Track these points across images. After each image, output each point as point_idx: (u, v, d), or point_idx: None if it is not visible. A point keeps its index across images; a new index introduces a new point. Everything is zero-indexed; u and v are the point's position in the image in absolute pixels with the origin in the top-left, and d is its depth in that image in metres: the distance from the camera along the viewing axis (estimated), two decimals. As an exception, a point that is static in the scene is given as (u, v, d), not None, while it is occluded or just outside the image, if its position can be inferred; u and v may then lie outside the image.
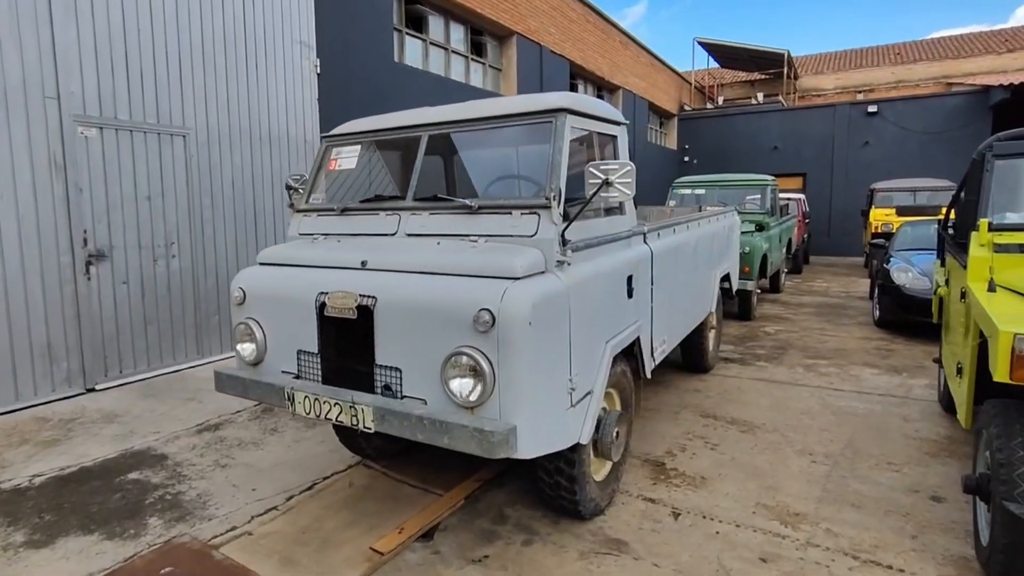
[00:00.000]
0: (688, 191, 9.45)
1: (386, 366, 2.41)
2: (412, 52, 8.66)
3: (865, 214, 13.32)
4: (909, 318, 6.64)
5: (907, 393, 4.81)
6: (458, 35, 9.59)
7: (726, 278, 5.76)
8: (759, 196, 8.88)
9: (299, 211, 3.23)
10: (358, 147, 3.18)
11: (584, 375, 2.56)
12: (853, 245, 16.62)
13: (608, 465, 3.04)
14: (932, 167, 15.87)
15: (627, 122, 3.26)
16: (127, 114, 4.81)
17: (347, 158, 3.19)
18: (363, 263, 2.58)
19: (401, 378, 2.37)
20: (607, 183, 2.38)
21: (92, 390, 4.76)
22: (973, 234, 3.07)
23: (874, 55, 25.48)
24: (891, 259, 7.41)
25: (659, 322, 3.59)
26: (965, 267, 3.09)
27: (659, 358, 3.65)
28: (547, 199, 2.40)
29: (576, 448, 2.59)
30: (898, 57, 23.98)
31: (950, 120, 16.06)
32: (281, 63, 6.10)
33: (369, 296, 2.42)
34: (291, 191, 3.35)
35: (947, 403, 4.26)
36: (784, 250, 10.25)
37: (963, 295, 3.08)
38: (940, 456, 3.61)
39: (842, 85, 23.32)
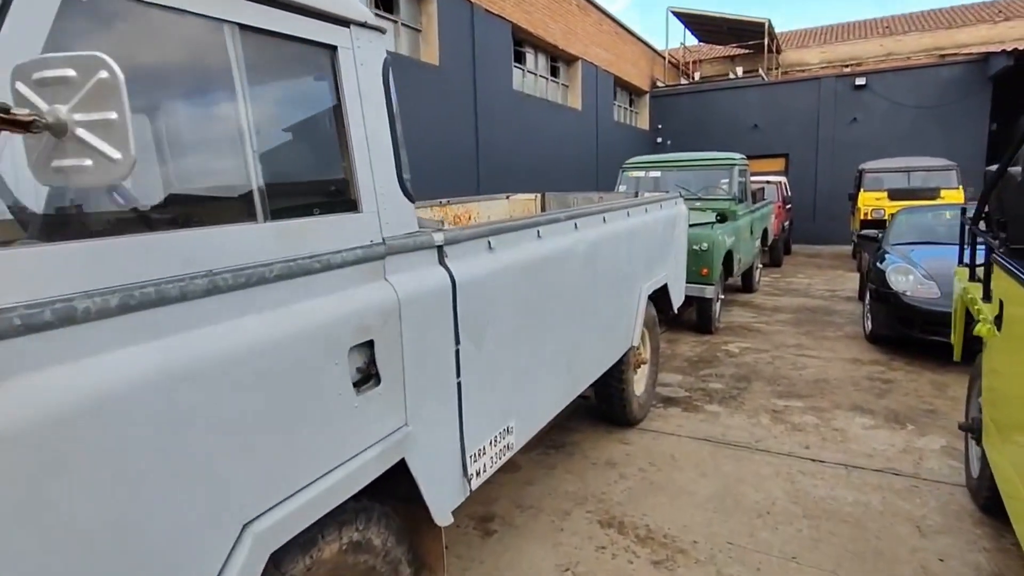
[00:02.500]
0: (641, 174, 7.83)
1: None
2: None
3: (853, 198, 11.78)
4: (912, 335, 5.09)
5: (917, 466, 3.25)
6: (361, -14, 7.90)
7: (663, 290, 4.15)
8: (725, 179, 7.28)
9: None
10: None
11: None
12: (840, 232, 15.10)
13: None
14: (926, 145, 14.34)
15: (374, 24, 1.61)
16: None
17: None
18: None
19: None
20: (44, 124, 0.74)
21: None
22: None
23: (861, 28, 23.94)
24: (886, 256, 5.85)
25: (486, 407, 1.99)
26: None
27: (490, 469, 2.05)
28: None
29: None
30: (887, 30, 22.43)
31: (946, 93, 14.52)
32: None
33: None
34: None
35: (987, 499, 2.67)
36: (758, 242, 8.68)
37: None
38: (990, 635, 2.05)
39: (828, 59, 21.72)
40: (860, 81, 15.35)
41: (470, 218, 4.92)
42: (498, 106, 10.12)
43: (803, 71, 21.22)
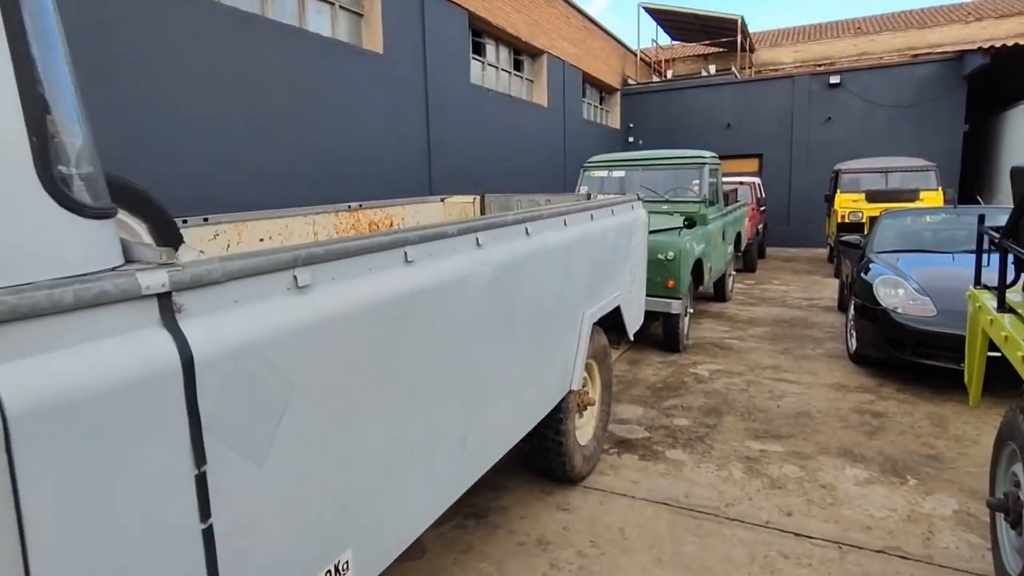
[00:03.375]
0: (604, 173, 7.13)
1: None
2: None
3: (829, 200, 11.29)
4: (904, 359, 4.45)
5: (928, 544, 2.57)
6: (291, -37, 7.03)
7: (615, 314, 3.43)
8: (695, 179, 6.62)
9: None
10: None
11: None
12: (815, 235, 14.67)
13: None
14: (901, 145, 13.97)
15: None
16: None
17: None
18: None
19: None
20: None
21: None
22: None
23: (834, 29, 23.75)
24: (871, 266, 5.22)
25: (282, 549, 1.22)
26: None
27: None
28: None
29: None
30: (859, 30, 22.22)
31: (921, 92, 14.15)
32: None
33: None
34: None
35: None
36: (731, 248, 8.05)
37: None
38: None
39: (801, 59, 21.43)
40: (834, 80, 14.93)
41: (392, 225, 4.16)
42: (453, 100, 9.35)
43: (776, 70, 20.86)
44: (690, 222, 5.50)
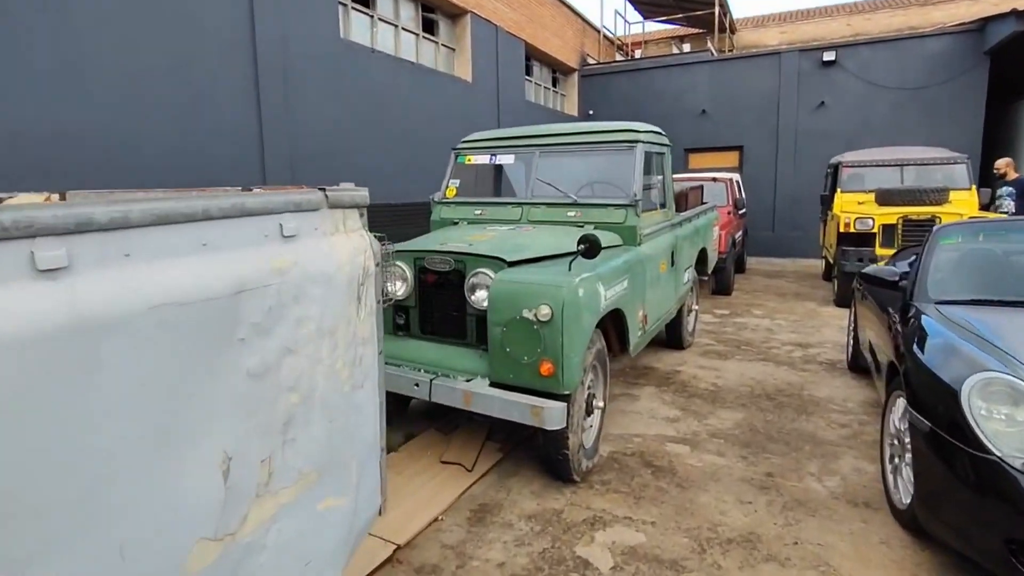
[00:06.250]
0: (484, 159, 4.51)
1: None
2: None
3: (826, 201, 8.78)
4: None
5: None
6: None
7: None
8: (625, 168, 4.02)
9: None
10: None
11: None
12: (806, 243, 12.20)
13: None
14: (908, 135, 11.52)
15: None
16: None
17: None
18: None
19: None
20: None
21: None
22: None
23: (825, 10, 21.37)
24: (930, 328, 2.66)
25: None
26: None
27: None
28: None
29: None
30: (852, 11, 19.86)
31: (933, 71, 11.69)
32: None
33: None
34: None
35: None
36: (690, 274, 5.47)
37: None
38: None
39: (788, 40, 19.01)
40: (828, 56, 12.43)
41: None
42: (310, 61, 6.69)
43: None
44: (591, 246, 2.87)
